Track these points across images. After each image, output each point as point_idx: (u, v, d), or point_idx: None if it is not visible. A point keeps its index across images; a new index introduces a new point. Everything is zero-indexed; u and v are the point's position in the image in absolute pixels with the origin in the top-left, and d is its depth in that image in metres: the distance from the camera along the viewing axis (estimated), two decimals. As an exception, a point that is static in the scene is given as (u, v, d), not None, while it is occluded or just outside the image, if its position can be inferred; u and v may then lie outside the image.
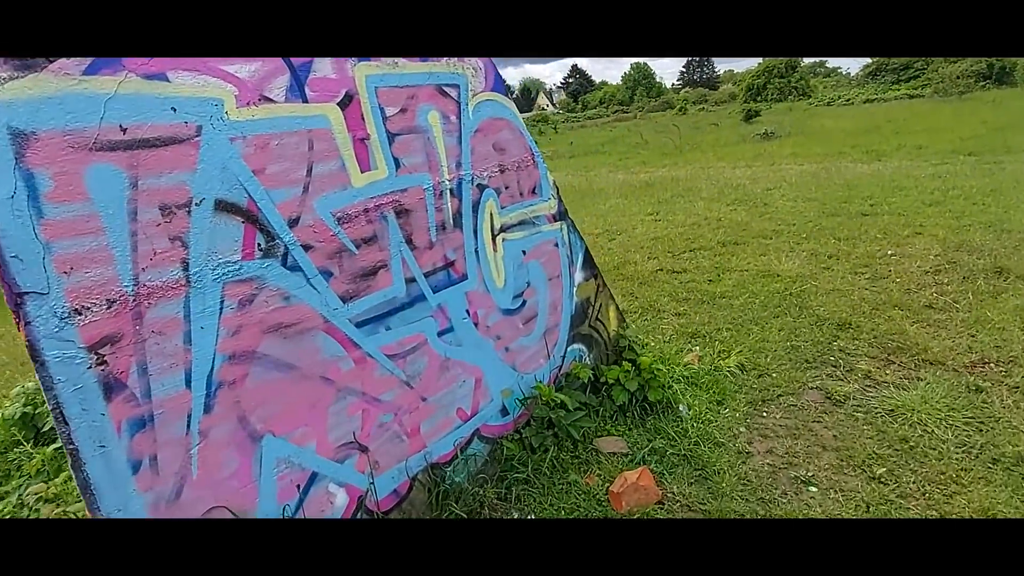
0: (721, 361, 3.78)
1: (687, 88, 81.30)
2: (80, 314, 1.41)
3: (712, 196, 10.13)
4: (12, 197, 1.31)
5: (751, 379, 3.56)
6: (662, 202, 10.24)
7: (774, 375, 3.57)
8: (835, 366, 3.61)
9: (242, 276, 1.71)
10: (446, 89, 2.25)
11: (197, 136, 1.59)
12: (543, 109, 79.74)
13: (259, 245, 1.74)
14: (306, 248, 1.85)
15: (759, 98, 41.04)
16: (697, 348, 4.09)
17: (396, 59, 2.05)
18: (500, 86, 2.47)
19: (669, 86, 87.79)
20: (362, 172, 1.98)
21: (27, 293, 1.34)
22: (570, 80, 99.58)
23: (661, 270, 6.17)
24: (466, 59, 2.31)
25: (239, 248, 1.69)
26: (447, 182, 2.27)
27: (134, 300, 1.50)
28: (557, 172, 17.38)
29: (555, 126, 47.47)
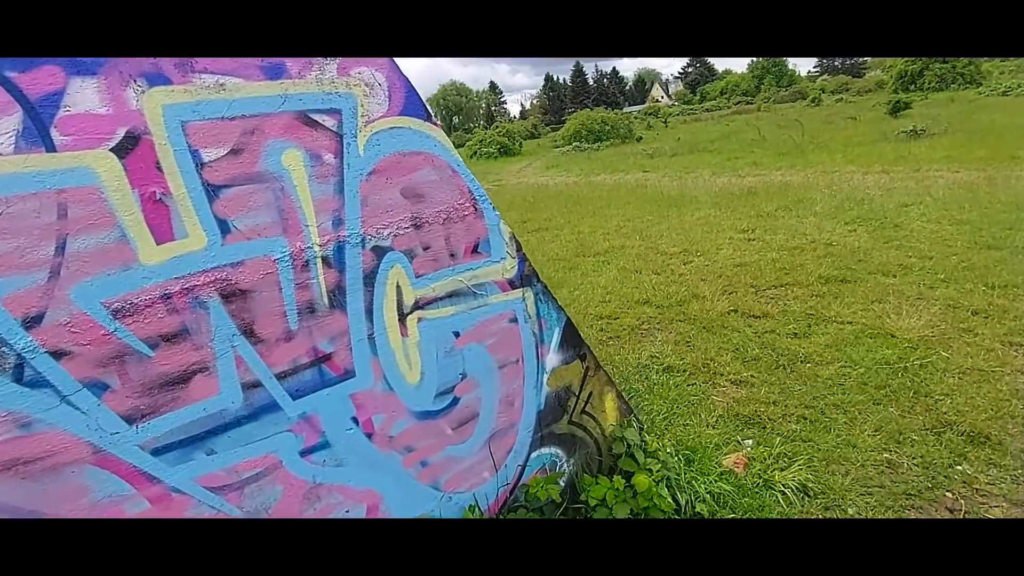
0: (777, 472, 2.74)
1: (825, 76, 72.51)
2: None
3: (827, 211, 8.41)
4: None
5: (814, 512, 2.50)
6: (762, 216, 8.72)
7: (851, 512, 2.48)
8: (952, 511, 2.42)
9: (-59, 400, 1.21)
10: (316, 117, 1.59)
11: None
12: (657, 101, 75.68)
13: (-32, 356, 1.22)
14: (58, 355, 1.31)
15: (913, 87, 35.02)
16: (749, 442, 3.06)
17: (224, 79, 1.44)
18: (416, 107, 1.75)
19: (804, 74, 79.03)
20: (159, 243, 1.40)
21: None
22: (689, 69, 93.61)
23: (735, 311, 5.01)
24: (356, 67, 1.63)
25: (-68, 362, 1.19)
26: (316, 248, 1.62)
27: None
28: (651, 174, 16.05)
29: (665, 120, 44.71)
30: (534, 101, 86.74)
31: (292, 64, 1.52)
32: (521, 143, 37.79)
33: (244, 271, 1.52)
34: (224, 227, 1.48)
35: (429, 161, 1.79)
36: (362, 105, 1.64)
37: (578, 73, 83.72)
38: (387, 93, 1.68)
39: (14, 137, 1.22)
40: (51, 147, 1.25)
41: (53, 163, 1.26)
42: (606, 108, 44.73)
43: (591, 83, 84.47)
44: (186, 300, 1.45)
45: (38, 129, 1.24)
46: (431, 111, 1.79)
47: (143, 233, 1.38)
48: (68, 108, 1.27)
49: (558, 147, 31.07)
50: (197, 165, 1.42)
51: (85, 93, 1.28)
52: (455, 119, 76.63)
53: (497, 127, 43.20)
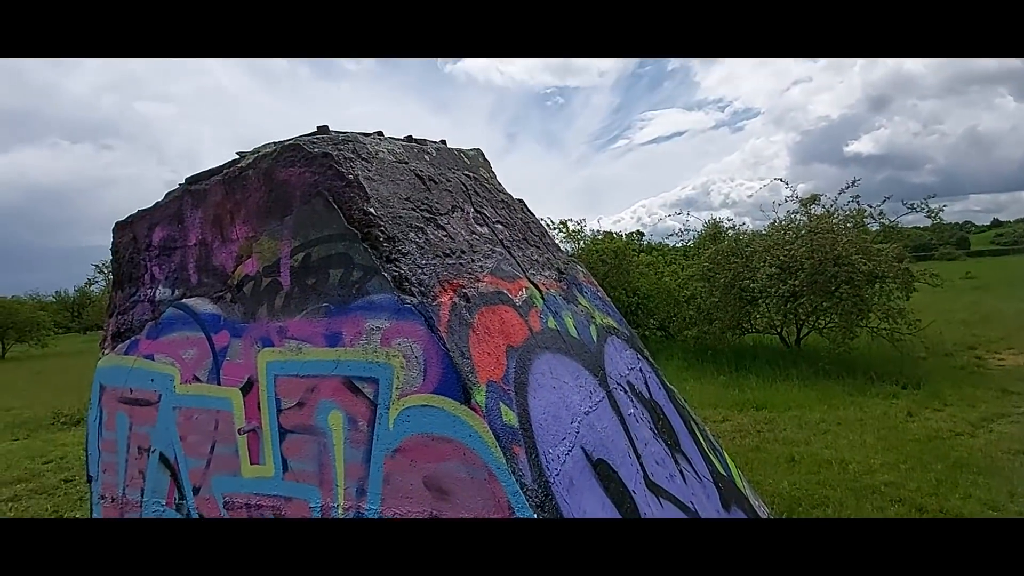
0: None
1: None
2: (103, 499, 2.13)
3: None
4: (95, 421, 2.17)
5: None
6: None
7: None
8: None
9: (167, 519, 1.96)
10: (357, 384, 1.51)
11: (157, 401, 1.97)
12: None
13: (175, 499, 1.92)
14: (201, 517, 1.85)
15: None
16: None
17: (302, 344, 1.61)
18: (452, 386, 1.35)
19: None
20: (251, 464, 1.73)
21: (90, 477, 2.18)
22: None
23: None
24: (398, 338, 1.45)
25: (166, 494, 1.95)
26: (341, 510, 1.55)
27: (122, 503, 2.08)
28: None
29: None
30: None
31: (347, 333, 1.55)
32: None
33: (292, 507, 1.67)
34: (285, 465, 1.68)
35: (460, 453, 1.38)
36: (398, 377, 1.47)
37: None
38: (423, 367, 1.43)
39: (207, 372, 1.84)
40: (218, 382, 1.81)
41: (217, 392, 1.82)
42: None
43: None
44: (257, 513, 1.73)
45: (215, 368, 1.82)
46: (477, 394, 1.38)
47: (244, 453, 1.76)
48: (229, 358, 1.79)
49: None
50: (277, 410, 1.69)
51: (235, 348, 1.78)
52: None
53: None
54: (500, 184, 2.77)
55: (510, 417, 1.45)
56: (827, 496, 4.64)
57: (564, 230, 13.06)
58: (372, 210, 1.57)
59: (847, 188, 8.69)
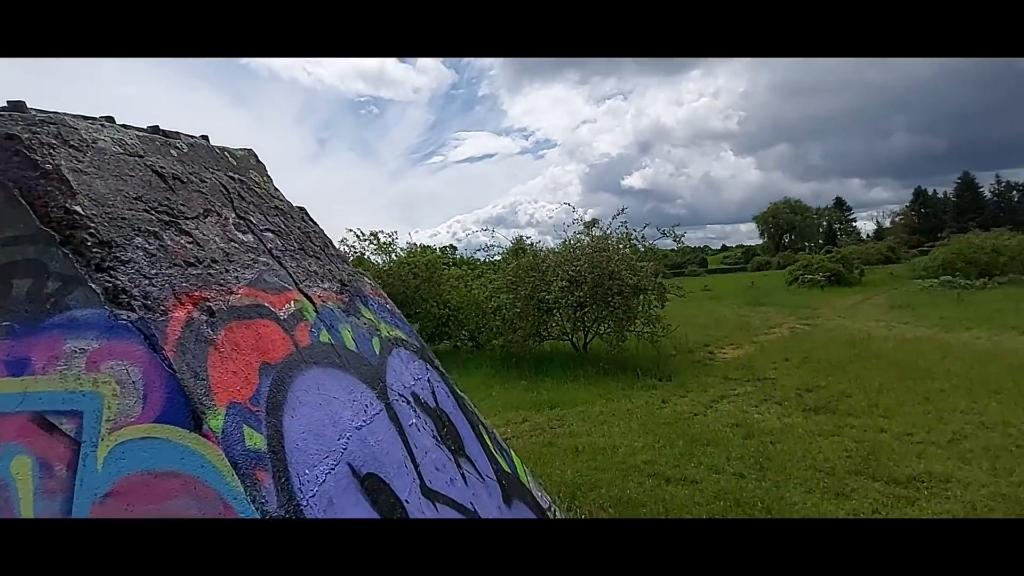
0: None
1: None
2: None
3: None
4: None
5: None
6: None
7: None
8: None
9: None
10: (52, 419, 1.26)
11: None
12: None
13: None
14: None
15: None
16: None
17: (-29, 375, 1.28)
18: (180, 412, 1.22)
19: None
20: None
21: None
22: None
23: None
24: (109, 361, 1.25)
25: None
26: None
27: None
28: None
29: None
30: (897, 219, 69.02)
31: (38, 357, 1.27)
32: (862, 271, 30.24)
33: (-52, 590, 1.27)
34: (-63, 536, 1.28)
35: (188, 487, 1.23)
36: (109, 407, 1.25)
37: (967, 186, 62.41)
38: (142, 393, 1.24)
39: None
40: None
41: None
42: (1011, 230, 28.18)
43: (989, 197, 62.12)
44: None
45: None
46: (211, 418, 1.25)
47: None
48: None
49: (918, 279, 23.28)
50: (-74, 465, 1.28)
51: None
52: (786, 238, 68.47)
53: (829, 250, 35.86)
54: (277, 190, 2.57)
55: (256, 440, 1.33)
56: (601, 479, 5.31)
57: (375, 242, 12.76)
58: (79, 209, 1.31)
59: (617, 215, 10.27)
